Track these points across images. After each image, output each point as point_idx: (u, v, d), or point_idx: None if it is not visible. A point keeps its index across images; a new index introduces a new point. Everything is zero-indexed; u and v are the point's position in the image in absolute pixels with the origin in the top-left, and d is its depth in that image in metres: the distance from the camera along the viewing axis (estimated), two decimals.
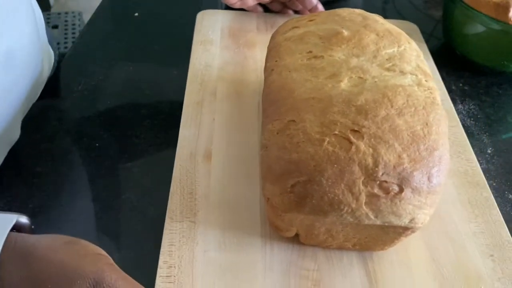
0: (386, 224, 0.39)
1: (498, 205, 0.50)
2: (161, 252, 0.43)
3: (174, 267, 0.42)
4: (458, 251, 0.45)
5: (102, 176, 0.52)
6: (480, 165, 0.54)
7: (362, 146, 0.38)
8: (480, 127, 0.61)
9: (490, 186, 0.52)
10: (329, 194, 0.37)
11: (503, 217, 0.48)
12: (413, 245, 0.46)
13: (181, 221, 0.46)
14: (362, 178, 0.37)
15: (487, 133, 0.60)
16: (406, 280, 0.43)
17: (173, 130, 0.55)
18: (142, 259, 0.44)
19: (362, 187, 0.37)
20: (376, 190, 0.37)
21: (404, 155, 0.38)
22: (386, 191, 0.37)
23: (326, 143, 0.38)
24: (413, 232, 0.41)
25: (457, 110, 0.62)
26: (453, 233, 0.47)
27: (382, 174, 0.37)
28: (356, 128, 0.38)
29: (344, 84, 0.42)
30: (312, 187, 0.38)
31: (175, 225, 0.45)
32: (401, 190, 0.38)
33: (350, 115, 0.39)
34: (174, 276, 0.41)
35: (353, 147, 0.38)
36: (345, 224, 0.41)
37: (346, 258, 0.44)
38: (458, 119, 0.59)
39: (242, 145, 0.53)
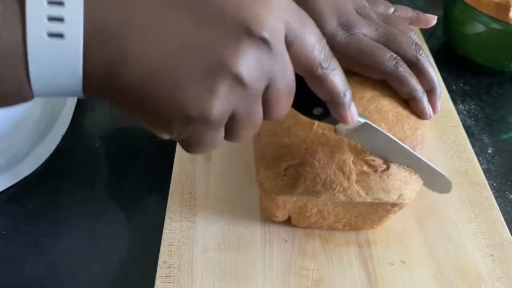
0: (376, 201, 0.40)
1: (499, 205, 0.50)
2: (160, 252, 0.43)
3: (174, 267, 0.42)
4: (458, 251, 0.45)
5: (102, 176, 0.52)
6: (481, 165, 0.54)
7: None
8: (480, 127, 0.61)
9: (490, 186, 0.51)
10: (321, 175, 0.38)
11: (504, 217, 0.48)
12: (413, 245, 0.46)
13: (181, 221, 0.46)
14: (352, 158, 0.38)
15: (487, 133, 0.60)
16: (406, 280, 0.43)
17: None
18: (141, 259, 0.44)
19: (352, 166, 0.38)
20: (365, 168, 0.39)
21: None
22: (374, 169, 0.39)
23: (315, 126, 0.39)
24: (400, 208, 0.42)
25: (457, 110, 0.61)
26: (453, 233, 0.47)
27: (370, 153, 0.38)
28: None
29: None
30: (304, 169, 0.38)
31: (174, 225, 0.45)
32: (388, 166, 0.39)
33: None
34: (174, 276, 0.41)
35: None
36: (336, 204, 0.42)
37: (346, 258, 0.44)
38: (459, 119, 0.59)
39: (242, 145, 0.53)
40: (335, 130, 0.35)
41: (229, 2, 0.24)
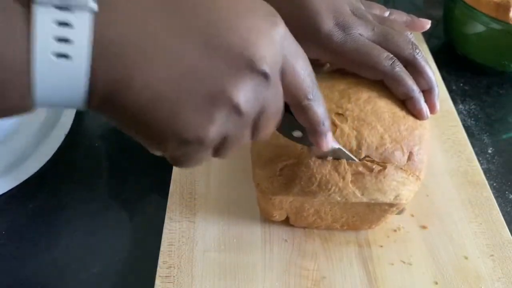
0: (373, 201, 0.40)
1: (499, 205, 0.50)
2: (160, 252, 0.43)
3: (174, 267, 0.42)
4: (458, 251, 0.45)
5: (102, 176, 0.52)
6: (481, 165, 0.54)
7: (346, 128, 0.39)
8: (480, 127, 0.61)
9: (490, 186, 0.51)
10: (317, 175, 0.38)
11: (504, 217, 0.48)
12: (413, 245, 0.46)
13: (181, 221, 0.46)
14: None
15: (487, 133, 0.60)
16: (406, 280, 0.43)
17: None
18: (141, 259, 0.44)
19: (347, 166, 0.38)
20: (360, 169, 0.39)
21: (386, 136, 0.39)
22: (370, 169, 0.39)
23: None
24: (398, 209, 0.42)
25: (457, 110, 0.61)
26: (453, 233, 0.47)
27: (365, 156, 0.39)
28: (340, 111, 0.40)
29: (326, 68, 0.44)
30: (300, 169, 0.39)
31: (174, 225, 0.45)
32: (384, 167, 0.39)
33: (334, 99, 0.40)
34: (174, 276, 0.41)
35: (338, 130, 0.39)
36: (333, 204, 0.42)
37: (346, 258, 0.44)
38: (459, 119, 0.59)
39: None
40: (310, 151, 0.38)
41: (235, 36, 0.25)
